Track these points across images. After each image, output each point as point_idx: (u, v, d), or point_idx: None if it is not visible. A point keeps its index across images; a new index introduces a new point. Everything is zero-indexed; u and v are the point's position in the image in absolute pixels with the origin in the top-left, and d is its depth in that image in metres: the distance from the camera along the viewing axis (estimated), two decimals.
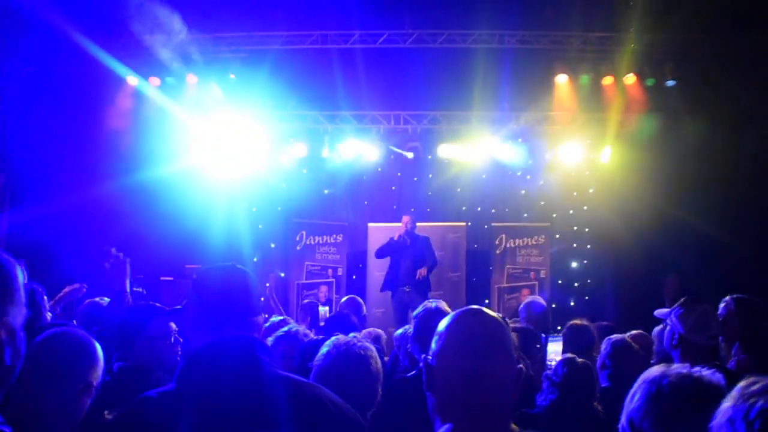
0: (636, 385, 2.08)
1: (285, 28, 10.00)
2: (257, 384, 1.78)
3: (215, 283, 1.98)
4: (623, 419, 2.07)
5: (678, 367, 2.04)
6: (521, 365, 1.59)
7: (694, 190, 9.44)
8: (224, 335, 1.87)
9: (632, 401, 2.03)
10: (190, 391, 1.77)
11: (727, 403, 1.41)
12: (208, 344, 1.85)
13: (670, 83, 10.00)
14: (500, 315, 1.65)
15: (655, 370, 2.07)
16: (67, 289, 5.17)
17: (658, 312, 3.26)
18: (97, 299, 4.83)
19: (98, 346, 2.17)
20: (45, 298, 3.79)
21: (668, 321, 3.05)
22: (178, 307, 3.07)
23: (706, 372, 2.02)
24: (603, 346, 3.74)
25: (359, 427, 1.84)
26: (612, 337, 3.75)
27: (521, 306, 5.50)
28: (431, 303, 3.38)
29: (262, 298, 5.26)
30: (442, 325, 1.63)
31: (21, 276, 1.28)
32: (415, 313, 3.38)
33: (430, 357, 1.61)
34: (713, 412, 1.99)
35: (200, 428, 1.69)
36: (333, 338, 2.59)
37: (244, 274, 2.00)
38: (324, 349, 2.52)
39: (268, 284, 6.19)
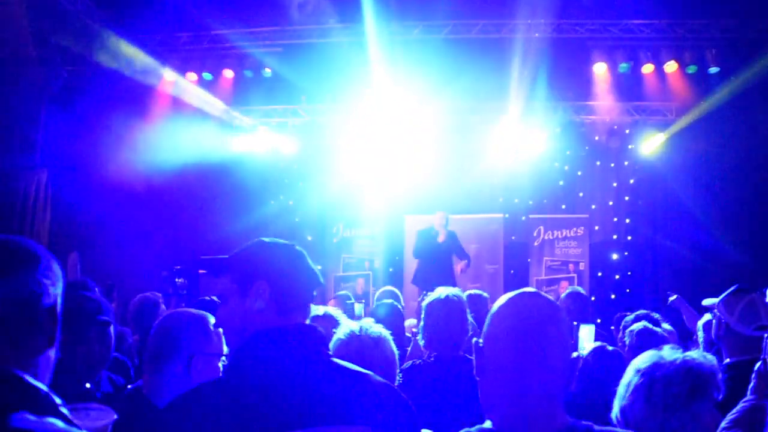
0: (627, 377, 2.04)
1: (319, 22, 10.01)
2: (321, 376, 1.66)
3: (286, 262, 1.82)
4: (617, 412, 2.03)
5: (669, 354, 2.00)
6: (577, 353, 1.53)
7: (738, 179, 9.22)
8: (287, 322, 1.73)
9: (625, 394, 1.99)
10: (248, 380, 1.65)
11: None
12: (271, 331, 1.71)
13: (713, 70, 9.76)
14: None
15: (645, 359, 2.03)
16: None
17: (706, 301, 3.19)
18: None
19: (208, 318, 2.40)
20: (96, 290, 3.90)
21: (715, 310, 2.98)
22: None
23: (698, 357, 1.98)
24: (627, 339, 3.69)
25: (415, 416, 1.79)
26: (634, 327, 3.69)
27: (564, 296, 5.43)
28: (442, 290, 3.35)
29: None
30: (495, 306, 1.58)
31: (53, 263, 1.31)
32: (425, 301, 3.36)
33: (480, 340, 1.56)
34: (708, 397, 1.96)
35: (252, 420, 1.59)
36: (345, 327, 2.58)
37: (304, 255, 1.88)
38: (338, 336, 2.48)
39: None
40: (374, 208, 10.88)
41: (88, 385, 2.66)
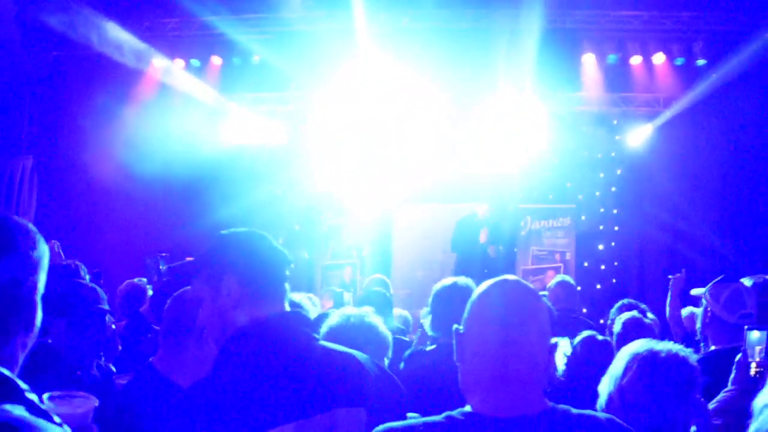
0: (624, 359, 2.09)
1: (309, 8, 9.96)
2: (310, 363, 1.65)
3: (248, 250, 1.79)
4: (613, 390, 2.08)
5: (660, 345, 2.07)
6: (556, 340, 1.56)
7: (724, 170, 9.30)
8: (265, 311, 1.71)
9: (624, 375, 2.05)
10: (237, 379, 1.62)
11: None
12: (251, 325, 1.69)
13: (701, 62, 9.83)
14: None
15: (640, 346, 2.10)
16: None
17: (694, 291, 3.24)
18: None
19: None
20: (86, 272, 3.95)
21: (703, 299, 3.03)
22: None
23: (683, 350, 2.06)
24: (616, 327, 3.74)
25: (401, 390, 1.80)
26: (623, 317, 3.75)
27: (553, 284, 5.46)
28: (448, 279, 3.39)
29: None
30: (475, 293, 1.60)
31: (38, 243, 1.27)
32: (434, 289, 3.40)
33: (461, 326, 1.58)
34: (698, 388, 2.03)
35: (245, 419, 1.57)
36: (335, 314, 2.60)
37: (266, 237, 1.84)
38: (329, 323, 2.53)
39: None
40: (363, 197, 10.87)
41: (78, 373, 2.68)
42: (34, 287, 1.24)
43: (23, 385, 1.14)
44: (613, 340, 3.66)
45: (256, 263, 1.77)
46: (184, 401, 1.67)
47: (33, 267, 1.24)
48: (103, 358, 3.01)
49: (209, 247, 1.83)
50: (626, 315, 3.78)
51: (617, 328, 3.70)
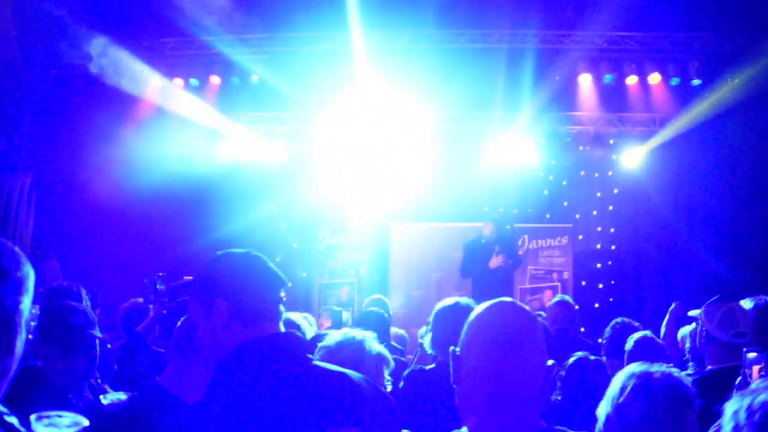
0: (620, 380, 2.11)
1: (307, 29, 10.04)
2: (303, 384, 1.64)
3: (239, 272, 1.78)
4: (610, 411, 2.09)
5: (656, 367, 2.08)
6: (552, 361, 1.56)
7: (720, 189, 9.33)
8: (257, 333, 1.71)
9: (620, 395, 2.06)
10: (230, 402, 1.61)
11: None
12: (243, 347, 1.68)
13: (696, 83, 9.90)
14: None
15: (636, 367, 2.12)
16: None
17: (692, 312, 3.26)
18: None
19: None
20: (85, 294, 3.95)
21: (698, 319, 3.04)
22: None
23: (678, 372, 2.08)
24: (627, 345, 3.73)
25: (396, 409, 1.80)
26: (635, 335, 3.74)
27: (551, 304, 5.46)
28: (450, 299, 3.40)
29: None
30: (472, 315, 1.61)
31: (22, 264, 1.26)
32: (436, 308, 3.40)
33: (457, 348, 1.59)
34: (695, 408, 2.04)
35: None
36: (330, 336, 2.61)
37: (261, 259, 1.83)
38: (324, 344, 2.54)
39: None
40: (360, 216, 10.87)
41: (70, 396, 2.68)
42: (17, 309, 1.22)
43: (1, 408, 1.13)
44: (624, 358, 3.66)
45: (248, 285, 1.76)
46: (185, 419, 1.68)
47: (17, 288, 1.22)
48: (98, 379, 3.01)
49: (201, 270, 1.83)
50: (639, 334, 3.79)
51: (629, 346, 3.71)
